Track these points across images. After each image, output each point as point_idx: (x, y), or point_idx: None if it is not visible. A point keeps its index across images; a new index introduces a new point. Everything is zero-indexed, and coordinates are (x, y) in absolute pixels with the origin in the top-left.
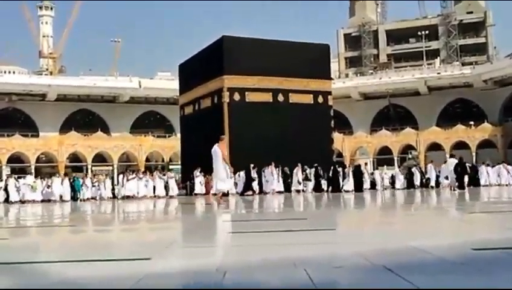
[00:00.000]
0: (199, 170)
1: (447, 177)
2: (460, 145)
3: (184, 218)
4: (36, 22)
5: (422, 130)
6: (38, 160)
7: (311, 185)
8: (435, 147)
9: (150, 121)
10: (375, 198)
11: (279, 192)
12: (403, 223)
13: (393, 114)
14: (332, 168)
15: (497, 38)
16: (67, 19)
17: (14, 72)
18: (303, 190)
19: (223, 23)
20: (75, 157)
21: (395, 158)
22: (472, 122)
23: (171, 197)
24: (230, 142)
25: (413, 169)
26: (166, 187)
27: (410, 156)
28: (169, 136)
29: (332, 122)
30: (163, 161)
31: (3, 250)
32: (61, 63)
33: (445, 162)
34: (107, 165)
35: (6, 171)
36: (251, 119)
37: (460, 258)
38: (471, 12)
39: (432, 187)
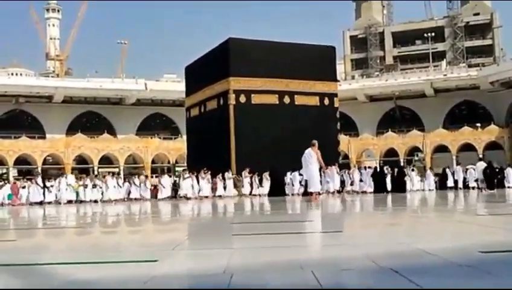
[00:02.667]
0: (247, 170)
1: (476, 180)
2: (467, 147)
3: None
4: (43, 24)
5: (429, 132)
6: (45, 162)
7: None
8: (441, 149)
9: (156, 123)
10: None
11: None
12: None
13: (399, 116)
14: (379, 169)
15: (503, 39)
16: (74, 21)
17: (21, 74)
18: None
19: (229, 25)
20: (81, 159)
21: (402, 160)
22: (479, 124)
23: (220, 197)
24: (235, 144)
25: (447, 170)
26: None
27: (416, 158)
28: (175, 138)
29: (339, 124)
30: (169, 162)
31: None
32: (67, 65)
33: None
34: (114, 167)
35: (13, 172)
36: (257, 121)
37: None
38: (478, 14)
39: (460, 189)
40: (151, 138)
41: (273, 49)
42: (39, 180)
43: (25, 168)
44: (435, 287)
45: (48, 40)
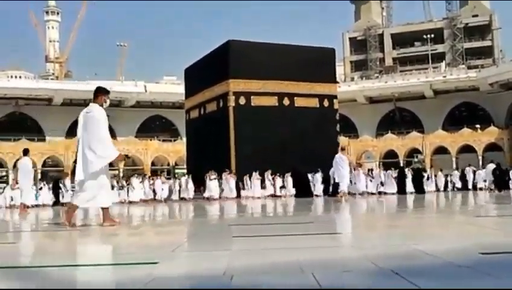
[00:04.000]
0: (270, 172)
1: (485, 181)
2: (467, 149)
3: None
4: (43, 26)
5: (428, 134)
6: (44, 164)
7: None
8: (441, 150)
9: (155, 125)
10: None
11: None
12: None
13: (398, 118)
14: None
15: (503, 41)
16: (74, 23)
17: (20, 77)
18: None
19: (229, 27)
20: None
21: (401, 162)
22: (478, 126)
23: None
24: (235, 146)
25: (467, 169)
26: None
27: (416, 159)
28: (175, 140)
29: (338, 126)
30: (168, 165)
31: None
32: (67, 68)
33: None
34: (113, 169)
35: (13, 175)
36: (256, 123)
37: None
38: (477, 16)
39: (470, 189)
40: (151, 140)
41: (273, 51)
42: (67, 181)
43: None
44: (434, 287)
45: (47, 43)
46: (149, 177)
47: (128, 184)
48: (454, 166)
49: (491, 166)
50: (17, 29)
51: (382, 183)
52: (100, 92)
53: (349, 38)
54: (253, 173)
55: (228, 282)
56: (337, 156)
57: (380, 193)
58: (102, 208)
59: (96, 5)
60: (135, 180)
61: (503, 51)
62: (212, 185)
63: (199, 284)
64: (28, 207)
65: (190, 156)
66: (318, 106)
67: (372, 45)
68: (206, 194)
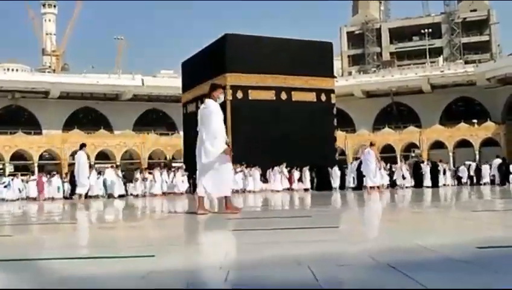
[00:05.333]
0: (284, 165)
1: (494, 175)
2: (464, 144)
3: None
4: (39, 19)
5: (425, 128)
6: (41, 157)
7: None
8: (438, 145)
9: (152, 119)
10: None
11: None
12: None
13: (396, 112)
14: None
15: (500, 36)
16: (70, 16)
17: (17, 70)
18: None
19: (226, 20)
20: None
21: (398, 156)
22: (475, 121)
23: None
24: (232, 140)
25: (472, 164)
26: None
27: (413, 154)
28: (172, 134)
29: (335, 120)
30: (165, 158)
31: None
32: (64, 61)
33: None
34: (110, 163)
35: (9, 168)
36: (254, 117)
37: None
38: (475, 10)
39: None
40: (148, 133)
41: (270, 45)
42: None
43: (21, 163)
44: (433, 281)
45: (44, 36)
46: (170, 169)
47: (143, 177)
48: (451, 160)
49: (497, 161)
50: (13, 22)
51: (403, 177)
52: (214, 88)
53: (347, 33)
54: (276, 167)
55: (224, 276)
56: (365, 150)
57: (396, 186)
58: (199, 196)
59: None
60: (157, 173)
61: (500, 45)
62: (237, 178)
63: (195, 278)
64: (84, 197)
65: (187, 149)
66: (315, 100)
67: (369, 39)
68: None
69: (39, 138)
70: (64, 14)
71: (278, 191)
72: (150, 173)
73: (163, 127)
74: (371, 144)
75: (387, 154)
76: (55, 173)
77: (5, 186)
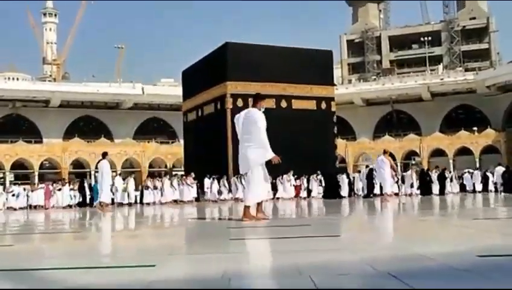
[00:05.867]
0: (291, 173)
1: (496, 183)
2: (464, 151)
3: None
4: (40, 28)
5: (426, 136)
6: (41, 166)
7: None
8: (438, 153)
9: (153, 128)
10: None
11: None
12: None
13: (396, 120)
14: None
15: (500, 44)
16: (71, 25)
17: (17, 79)
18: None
19: (226, 28)
20: (78, 164)
21: (399, 164)
22: (475, 128)
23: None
24: (233, 149)
25: (488, 173)
26: None
27: (413, 162)
28: (172, 142)
29: (336, 128)
30: (166, 167)
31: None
32: (64, 70)
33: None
34: (111, 171)
35: (9, 177)
36: None
37: None
38: (474, 18)
39: (479, 192)
40: (148, 142)
41: (270, 53)
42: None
43: (21, 172)
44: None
45: (44, 45)
46: (180, 178)
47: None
48: (451, 168)
49: (500, 169)
50: (14, 31)
51: (412, 185)
52: (258, 98)
53: (347, 41)
54: (284, 175)
55: (226, 285)
56: (379, 158)
57: (408, 194)
58: (245, 205)
59: (94, 6)
60: (167, 182)
61: (500, 53)
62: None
63: (197, 287)
64: (107, 205)
65: (188, 158)
66: (315, 108)
67: (369, 47)
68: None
69: (40, 147)
70: (65, 23)
71: (287, 199)
72: (159, 181)
73: (164, 135)
74: (384, 152)
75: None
76: (67, 181)
77: (13, 195)
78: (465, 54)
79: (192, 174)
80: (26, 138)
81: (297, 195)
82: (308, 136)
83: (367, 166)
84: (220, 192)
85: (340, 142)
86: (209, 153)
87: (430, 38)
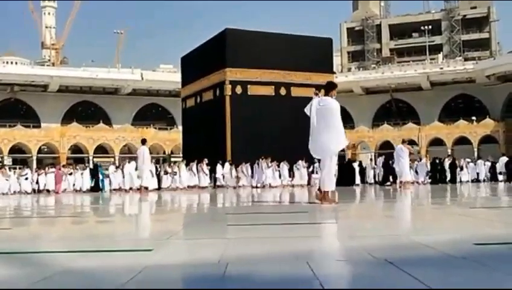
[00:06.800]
0: (304, 160)
1: (501, 173)
2: (462, 141)
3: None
4: (39, 12)
5: (424, 125)
6: (39, 151)
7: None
8: (436, 142)
9: (151, 114)
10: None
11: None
12: None
13: (395, 109)
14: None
15: (500, 33)
16: (70, 9)
17: (16, 63)
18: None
19: (226, 15)
20: (76, 149)
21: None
22: (474, 118)
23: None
24: (231, 135)
25: (478, 162)
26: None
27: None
28: (171, 129)
29: None
30: (164, 153)
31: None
32: (63, 54)
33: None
34: (109, 157)
35: (7, 161)
36: (253, 112)
37: None
38: (475, 8)
39: (484, 181)
40: (147, 128)
41: (270, 40)
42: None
43: (19, 157)
44: (430, 277)
45: (43, 29)
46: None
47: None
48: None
49: (504, 159)
50: (13, 15)
51: (427, 174)
52: (331, 87)
53: (347, 29)
54: (300, 161)
55: (223, 270)
56: (397, 147)
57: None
58: (324, 190)
59: None
60: (183, 167)
61: (500, 43)
62: (269, 173)
63: (193, 272)
64: (147, 189)
65: (186, 144)
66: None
67: (369, 36)
68: (265, 181)
69: (38, 131)
70: (64, 8)
71: (301, 185)
72: (177, 167)
73: (162, 121)
74: (403, 141)
75: (386, 151)
76: (87, 165)
77: (26, 179)
78: (465, 43)
79: (206, 160)
80: (25, 123)
81: (309, 182)
82: (306, 124)
83: (380, 154)
84: (237, 178)
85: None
86: (208, 139)
87: (430, 27)
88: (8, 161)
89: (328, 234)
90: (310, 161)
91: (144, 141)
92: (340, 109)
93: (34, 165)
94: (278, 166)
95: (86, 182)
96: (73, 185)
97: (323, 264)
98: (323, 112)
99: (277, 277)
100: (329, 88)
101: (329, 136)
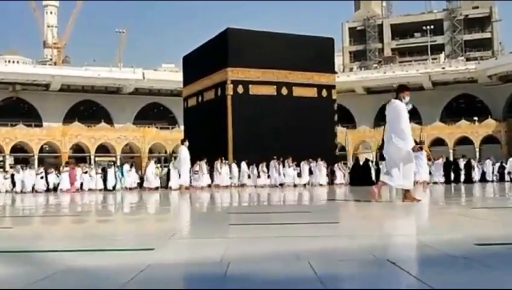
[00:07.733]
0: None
1: (509, 173)
2: (464, 141)
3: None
4: (41, 11)
5: (426, 125)
6: (41, 150)
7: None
8: (438, 142)
9: (153, 113)
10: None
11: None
12: None
13: None
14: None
15: (502, 33)
16: (72, 8)
17: (18, 62)
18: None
19: (228, 14)
20: (78, 148)
21: None
22: (476, 118)
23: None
24: (233, 135)
25: (487, 162)
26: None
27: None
28: (172, 128)
29: (336, 116)
30: (166, 152)
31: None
32: (65, 53)
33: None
34: (110, 156)
35: (9, 160)
36: (254, 112)
37: None
38: (477, 7)
39: (493, 181)
40: (148, 127)
41: (272, 40)
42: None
43: (21, 156)
44: (431, 277)
45: (45, 28)
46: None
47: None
48: (451, 158)
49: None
50: (15, 14)
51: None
52: (401, 89)
53: (349, 28)
54: (320, 161)
55: (225, 269)
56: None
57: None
58: (404, 189)
59: None
60: (204, 165)
61: (502, 43)
62: (290, 172)
63: (195, 271)
64: (187, 188)
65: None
66: (316, 95)
67: (371, 35)
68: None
69: (39, 131)
70: (66, 7)
71: (321, 185)
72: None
73: (164, 121)
74: (420, 142)
75: None
76: (112, 164)
77: (41, 178)
78: (467, 43)
79: (205, 160)
80: (26, 122)
81: (332, 182)
82: (308, 124)
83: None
84: (259, 177)
85: (340, 130)
86: (209, 139)
87: (432, 27)
88: (9, 159)
89: (328, 234)
90: (315, 160)
91: (183, 141)
92: (405, 110)
93: (36, 165)
94: (297, 165)
95: (99, 181)
96: (81, 184)
97: (324, 263)
98: (391, 115)
99: (279, 276)
100: (399, 90)
101: (396, 138)
